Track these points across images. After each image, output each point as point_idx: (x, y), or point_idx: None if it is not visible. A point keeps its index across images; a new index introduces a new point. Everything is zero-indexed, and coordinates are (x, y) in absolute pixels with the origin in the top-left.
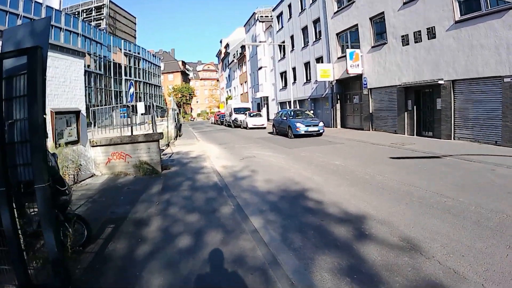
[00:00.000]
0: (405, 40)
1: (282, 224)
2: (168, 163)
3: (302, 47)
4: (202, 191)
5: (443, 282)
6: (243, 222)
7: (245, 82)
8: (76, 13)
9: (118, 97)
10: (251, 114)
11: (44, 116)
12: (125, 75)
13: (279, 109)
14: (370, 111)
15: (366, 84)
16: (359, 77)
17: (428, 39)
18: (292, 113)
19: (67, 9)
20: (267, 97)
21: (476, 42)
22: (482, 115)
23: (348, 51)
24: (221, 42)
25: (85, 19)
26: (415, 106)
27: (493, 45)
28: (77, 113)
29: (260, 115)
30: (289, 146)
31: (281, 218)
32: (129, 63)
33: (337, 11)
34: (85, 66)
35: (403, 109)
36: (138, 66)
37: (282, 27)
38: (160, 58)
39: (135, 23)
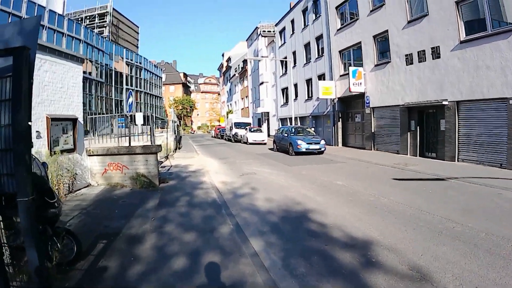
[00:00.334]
0: (409, 59)
1: (283, 247)
2: (166, 177)
3: (304, 64)
4: (200, 208)
5: None
6: (242, 244)
7: (246, 97)
8: (79, 19)
9: (119, 106)
10: (252, 130)
11: (30, 123)
12: (127, 84)
13: (280, 125)
14: (372, 131)
15: (369, 103)
16: (361, 95)
17: (433, 58)
18: (293, 130)
19: (71, 14)
20: (268, 112)
21: (482, 63)
22: (487, 137)
23: (351, 69)
24: (223, 55)
25: (88, 26)
26: (418, 127)
27: (498, 66)
28: (74, 120)
29: (261, 131)
30: (290, 163)
31: (282, 241)
32: (131, 72)
33: (340, 28)
34: (86, 73)
35: (406, 129)
36: (140, 76)
37: (285, 42)
38: (161, 69)
39: (137, 32)
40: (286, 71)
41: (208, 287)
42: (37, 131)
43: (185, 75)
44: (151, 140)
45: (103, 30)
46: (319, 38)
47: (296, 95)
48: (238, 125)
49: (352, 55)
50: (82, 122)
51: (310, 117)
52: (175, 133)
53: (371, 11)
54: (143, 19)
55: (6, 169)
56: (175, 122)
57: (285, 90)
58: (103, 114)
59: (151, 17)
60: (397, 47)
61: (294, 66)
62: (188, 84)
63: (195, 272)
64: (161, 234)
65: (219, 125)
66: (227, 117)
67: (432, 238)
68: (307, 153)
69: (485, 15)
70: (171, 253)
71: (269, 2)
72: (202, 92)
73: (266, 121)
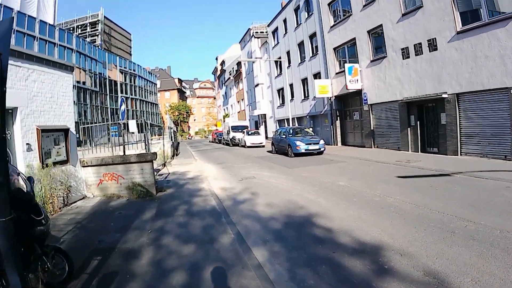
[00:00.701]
0: (405, 53)
1: (288, 257)
2: (164, 185)
3: (299, 63)
4: (199, 217)
5: None
6: (244, 254)
7: (242, 100)
8: (71, 28)
9: (114, 115)
10: (249, 132)
11: (4, 135)
12: (121, 92)
13: (277, 127)
14: (372, 128)
15: (366, 99)
16: (358, 92)
17: (430, 51)
18: (291, 131)
19: (62, 24)
20: (265, 114)
21: (480, 53)
22: (489, 129)
23: (347, 66)
24: (216, 59)
25: (80, 35)
26: (418, 122)
27: (497, 55)
28: (65, 131)
29: (259, 133)
30: (289, 165)
31: (287, 250)
32: (125, 80)
33: (334, 25)
34: (80, 83)
35: (406, 125)
36: (134, 83)
37: (278, 42)
38: (156, 76)
39: (130, 40)
40: (280, 71)
41: None
42: (27, 144)
43: (180, 81)
44: (146, 148)
45: (95, 39)
46: (312, 36)
47: (292, 96)
48: (236, 128)
49: (347, 52)
50: (74, 132)
51: (308, 117)
52: (172, 139)
53: (364, 6)
54: (135, 26)
55: None
56: (171, 129)
57: (281, 91)
58: (100, 123)
59: (143, 24)
60: (392, 41)
61: (289, 66)
62: (184, 90)
63: None
64: (158, 247)
65: (217, 130)
66: (224, 121)
67: (445, 238)
68: (306, 154)
69: (481, 3)
70: (169, 268)
71: (260, 2)
72: (197, 97)
73: (263, 123)
